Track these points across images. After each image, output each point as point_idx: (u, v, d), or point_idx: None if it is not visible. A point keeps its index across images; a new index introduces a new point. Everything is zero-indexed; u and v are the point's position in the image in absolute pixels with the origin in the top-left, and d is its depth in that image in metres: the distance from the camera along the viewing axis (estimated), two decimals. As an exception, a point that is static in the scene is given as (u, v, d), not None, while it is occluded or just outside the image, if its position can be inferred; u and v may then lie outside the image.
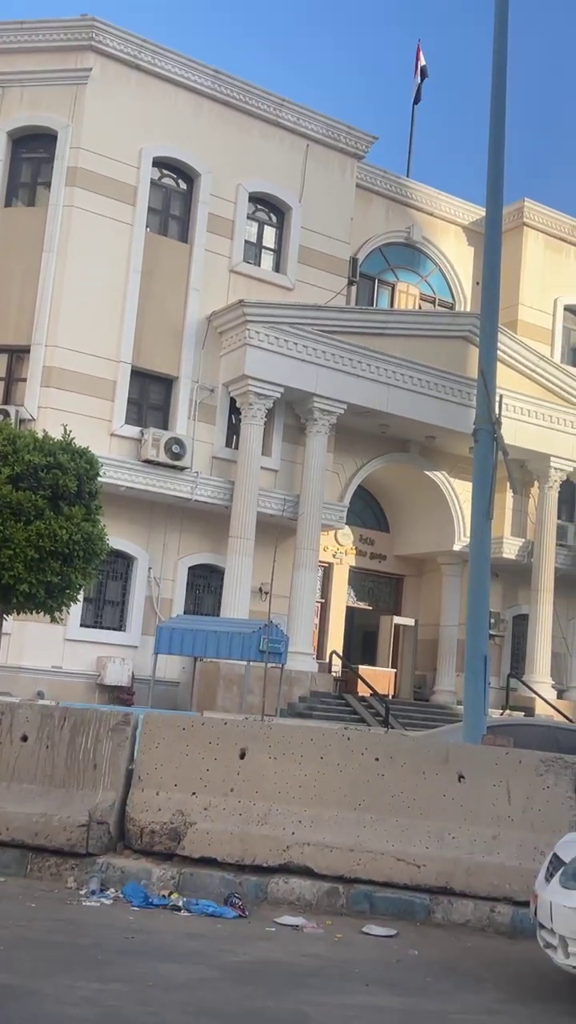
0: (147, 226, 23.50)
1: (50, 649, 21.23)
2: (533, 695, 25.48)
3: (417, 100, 31.27)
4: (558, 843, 6.30)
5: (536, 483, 27.29)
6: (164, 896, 7.47)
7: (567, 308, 30.41)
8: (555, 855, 6.07)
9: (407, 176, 29.68)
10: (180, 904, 7.33)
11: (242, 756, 8.18)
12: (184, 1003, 5.10)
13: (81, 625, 22.01)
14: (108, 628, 22.69)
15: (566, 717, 24.14)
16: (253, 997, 5.33)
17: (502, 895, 7.46)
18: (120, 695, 21.50)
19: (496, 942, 7.12)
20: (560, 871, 5.84)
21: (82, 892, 7.43)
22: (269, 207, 25.44)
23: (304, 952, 6.41)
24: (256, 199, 25.09)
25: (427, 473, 27.03)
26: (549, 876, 5.95)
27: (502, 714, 22.66)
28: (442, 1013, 5.39)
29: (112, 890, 7.50)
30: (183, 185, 24.39)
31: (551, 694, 26.04)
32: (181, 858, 7.93)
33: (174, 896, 7.48)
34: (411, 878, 7.61)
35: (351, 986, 5.74)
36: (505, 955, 6.78)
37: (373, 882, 7.66)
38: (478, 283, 26.11)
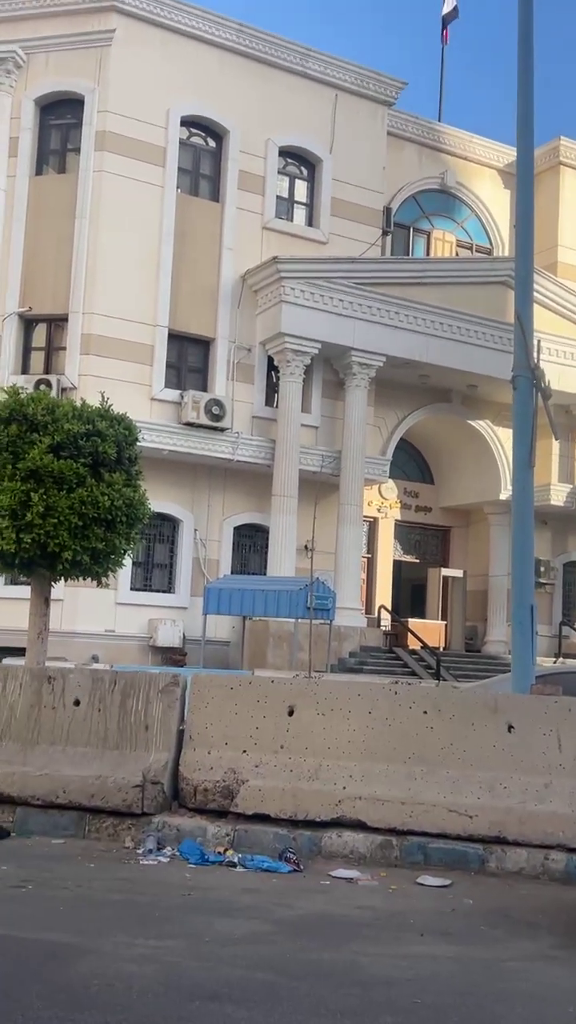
0: (178, 187, 23.34)
1: (102, 613, 21.50)
2: (586, 642, 25.35)
3: (446, 41, 30.51)
4: (609, 790, 6.28)
5: (582, 428, 26.91)
6: (219, 853, 7.58)
7: (608, 248, 29.74)
8: (606, 802, 6.06)
9: (439, 120, 29.12)
10: (235, 860, 7.43)
11: (291, 713, 8.24)
12: (240, 957, 5.18)
13: (131, 589, 22.24)
14: (158, 591, 22.91)
15: (620, 663, 23.99)
16: (308, 949, 5.40)
17: (555, 842, 7.47)
18: (172, 656, 21.75)
19: (550, 889, 7.14)
20: (611, 818, 5.82)
21: (139, 851, 7.56)
22: (300, 160, 25.13)
23: (359, 904, 6.48)
24: (286, 153, 24.79)
25: (470, 422, 26.77)
26: (601, 823, 5.94)
27: (555, 663, 22.58)
28: (496, 960, 5.42)
29: (168, 848, 7.62)
30: (212, 143, 24.15)
31: (604, 640, 25.88)
32: (235, 815, 8.04)
33: (229, 852, 7.59)
34: (464, 828, 7.64)
35: (406, 936, 5.79)
36: (560, 901, 6.79)
37: (426, 833, 7.70)
38: (515, 226, 25.60)
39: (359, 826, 7.80)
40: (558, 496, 26.80)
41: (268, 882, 6.95)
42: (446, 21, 30.12)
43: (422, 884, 7.08)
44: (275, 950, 5.37)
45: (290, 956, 5.27)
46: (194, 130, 23.89)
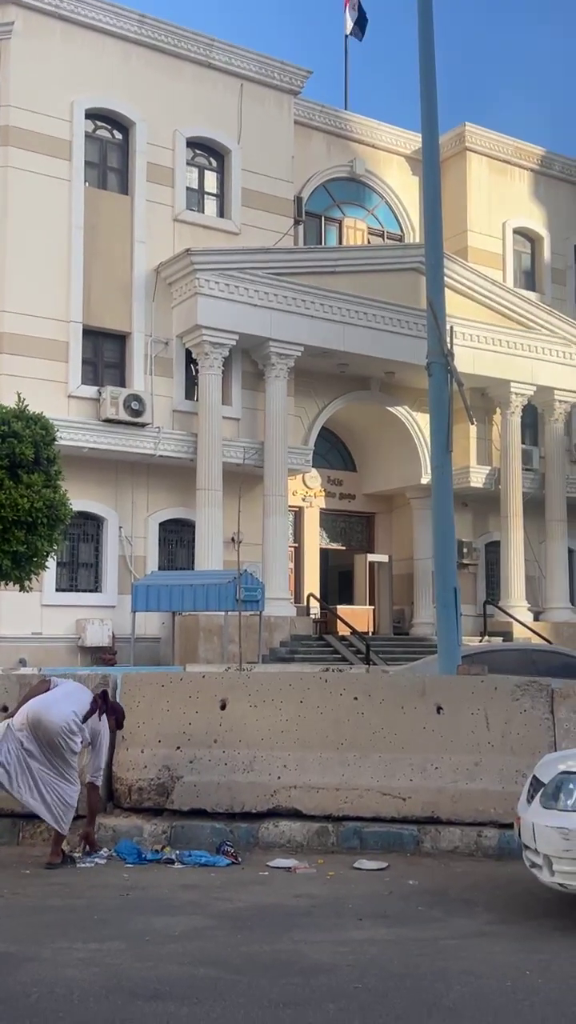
0: (86, 181, 23.03)
1: (28, 616, 21.19)
2: (510, 620, 25.80)
3: (359, 36, 30.38)
4: (537, 765, 6.42)
5: (498, 410, 27.35)
6: (157, 851, 7.56)
7: (516, 231, 30.23)
8: (535, 777, 6.19)
9: (345, 109, 29.22)
10: (173, 857, 7.43)
11: (223, 707, 8.24)
12: (181, 954, 5.18)
13: (57, 590, 21.96)
14: (84, 590, 22.67)
15: (543, 638, 24.50)
16: (249, 942, 5.43)
17: (487, 819, 7.62)
18: (102, 656, 21.55)
19: (485, 866, 7.28)
20: (540, 792, 5.95)
21: (75, 854, 7.50)
22: (208, 151, 24.99)
23: (297, 892, 6.52)
24: (194, 144, 24.63)
25: (389, 409, 27.00)
26: (530, 798, 6.08)
27: (480, 641, 22.93)
28: (435, 940, 5.51)
29: (105, 850, 7.57)
30: (118, 136, 23.88)
31: (528, 617, 26.38)
32: (171, 812, 8.03)
33: (167, 850, 7.58)
34: (398, 811, 7.74)
35: (345, 922, 5.85)
36: (494, 878, 6.93)
37: (361, 818, 7.79)
38: (423, 214, 25.90)
39: (295, 815, 7.85)
40: (477, 478, 27.22)
41: (207, 877, 6.95)
42: (353, 31, 30.01)
43: (359, 868, 7.16)
44: (215, 945, 5.38)
45: (231, 950, 5.29)
46: (100, 123, 23.59)
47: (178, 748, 8.18)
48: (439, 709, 8.01)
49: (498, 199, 29.69)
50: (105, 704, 7.62)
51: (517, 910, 6.10)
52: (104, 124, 23.66)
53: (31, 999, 4.49)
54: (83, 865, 7.28)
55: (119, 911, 6.05)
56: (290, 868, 7.16)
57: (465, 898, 6.38)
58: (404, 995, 4.58)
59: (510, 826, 7.10)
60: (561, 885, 5.68)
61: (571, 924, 5.75)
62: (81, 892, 6.51)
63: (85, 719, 7.36)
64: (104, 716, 7.58)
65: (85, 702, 7.46)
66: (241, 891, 6.56)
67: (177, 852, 7.50)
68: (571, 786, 5.80)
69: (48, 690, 7.52)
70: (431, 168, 11.02)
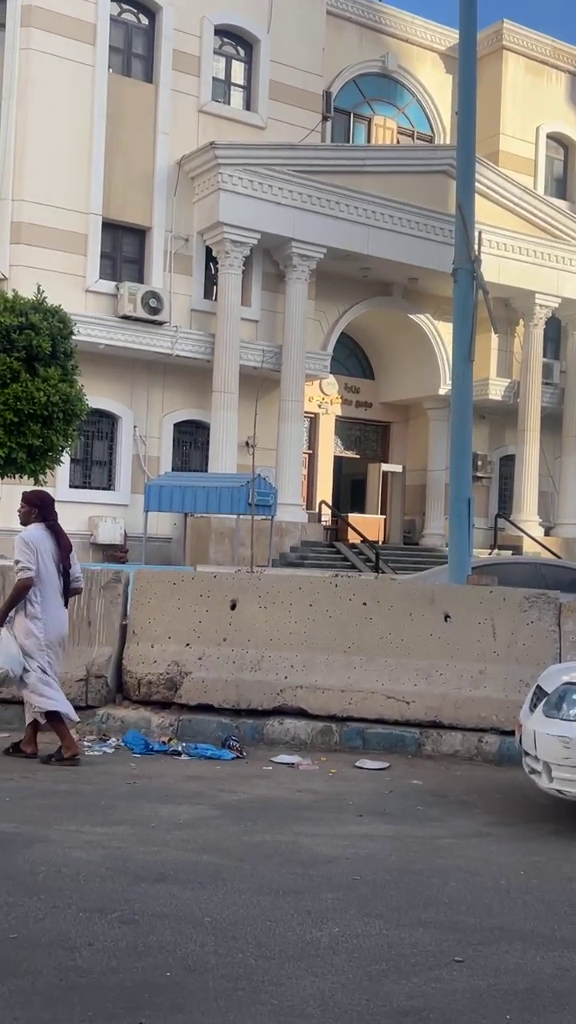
0: (109, 67, 22.35)
1: (41, 511, 21.28)
2: (521, 534, 25.85)
3: None
4: (541, 675, 6.49)
5: (521, 321, 26.94)
6: (164, 743, 7.71)
7: (550, 136, 29.34)
8: (538, 686, 6.26)
9: (379, 0, 28.11)
10: (180, 749, 7.58)
11: (233, 607, 8.32)
12: (185, 841, 5.32)
13: (71, 486, 22.05)
14: (97, 488, 22.75)
15: (553, 554, 24.57)
16: (251, 832, 5.56)
17: (489, 726, 7.73)
18: (114, 553, 21.74)
19: (484, 770, 7.42)
20: (543, 701, 6.03)
21: (84, 743, 7.66)
22: (236, 40, 24.16)
23: (300, 787, 6.67)
24: (222, 32, 23.80)
25: (411, 316, 26.61)
26: (533, 706, 6.15)
27: (490, 554, 23.03)
28: (432, 838, 5.64)
29: (113, 739, 7.74)
30: (144, 20, 23.07)
31: (539, 532, 26.42)
32: (179, 706, 8.17)
33: (173, 742, 7.73)
34: (401, 714, 7.86)
35: (345, 817, 5.99)
36: (493, 781, 7.06)
37: (365, 720, 7.92)
38: (457, 113, 25.17)
39: (300, 714, 7.98)
40: (496, 391, 26.96)
41: (212, 769, 7.11)
42: None
43: (361, 767, 7.30)
44: (219, 834, 5.52)
45: (234, 839, 5.43)
46: (125, 6, 22.78)
47: (187, 645, 8.28)
48: (447, 617, 8.07)
49: (533, 102, 28.76)
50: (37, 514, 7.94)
51: (515, 813, 6.23)
52: (130, 7, 22.86)
53: (38, 877, 4.63)
54: (92, 753, 7.44)
55: (126, 798, 6.20)
56: (293, 764, 7.31)
57: (464, 800, 6.51)
58: (401, 888, 4.71)
59: (511, 733, 7.21)
60: (559, 791, 5.79)
61: (566, 828, 5.88)
62: (89, 779, 6.67)
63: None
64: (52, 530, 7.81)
65: (49, 566, 7.41)
66: (245, 784, 6.70)
67: (183, 744, 7.65)
68: (574, 696, 5.86)
69: (27, 584, 7.23)
70: (467, 66, 10.62)
